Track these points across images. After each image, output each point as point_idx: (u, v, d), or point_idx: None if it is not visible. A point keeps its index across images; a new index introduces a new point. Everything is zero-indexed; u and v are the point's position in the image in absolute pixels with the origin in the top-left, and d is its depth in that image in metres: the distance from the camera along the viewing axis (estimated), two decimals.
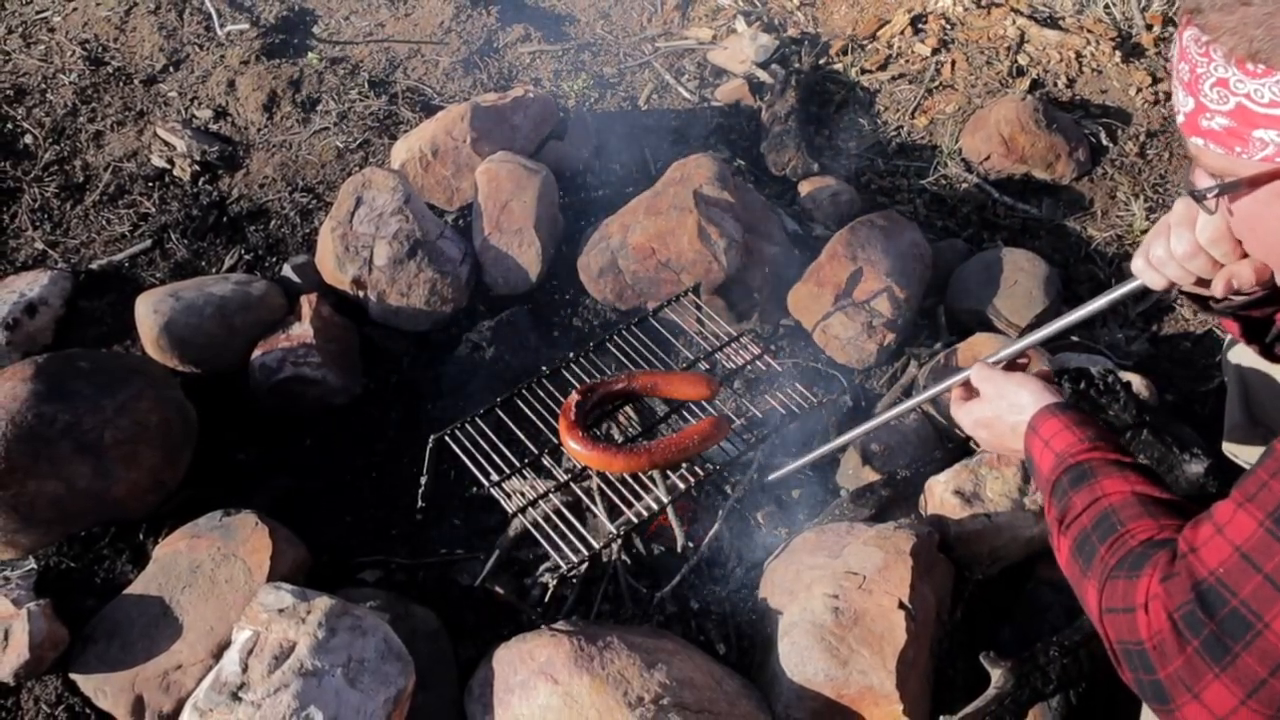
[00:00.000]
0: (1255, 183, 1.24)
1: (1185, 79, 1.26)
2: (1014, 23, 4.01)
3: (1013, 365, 1.83)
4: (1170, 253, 1.50)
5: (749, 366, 2.66)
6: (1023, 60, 3.91)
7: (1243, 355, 2.10)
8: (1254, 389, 2.09)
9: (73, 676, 2.21)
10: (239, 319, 2.85)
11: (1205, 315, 1.72)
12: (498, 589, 2.41)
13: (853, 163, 3.65)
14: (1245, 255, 1.45)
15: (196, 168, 3.55)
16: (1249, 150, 1.21)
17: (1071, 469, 1.47)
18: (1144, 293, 1.64)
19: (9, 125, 3.71)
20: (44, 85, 3.87)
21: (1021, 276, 3.03)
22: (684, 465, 2.41)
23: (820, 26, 4.22)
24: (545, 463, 2.49)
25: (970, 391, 1.82)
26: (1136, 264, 1.59)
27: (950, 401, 1.87)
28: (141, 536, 2.50)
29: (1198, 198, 1.32)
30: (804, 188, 3.44)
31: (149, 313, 2.78)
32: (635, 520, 2.37)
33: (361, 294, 3.00)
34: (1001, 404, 1.71)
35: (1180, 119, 1.30)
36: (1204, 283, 1.54)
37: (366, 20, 4.14)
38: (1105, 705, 2.11)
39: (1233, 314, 1.65)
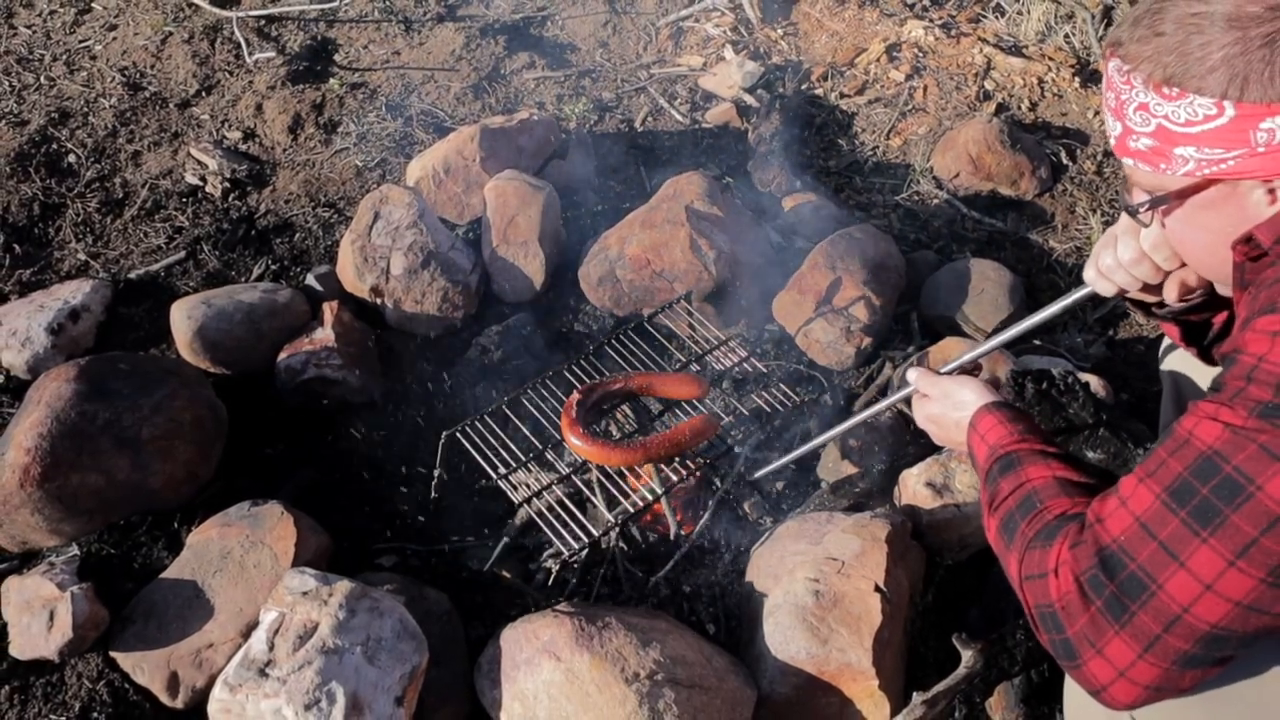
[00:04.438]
0: (1182, 195, 1.27)
1: (1113, 105, 1.29)
2: (981, 51, 4.01)
3: (967, 372, 1.85)
4: (1118, 260, 1.53)
5: (737, 368, 2.66)
6: (989, 85, 3.91)
7: (1174, 361, 2.12)
8: (1184, 391, 2.11)
9: (113, 654, 2.21)
10: (266, 324, 2.85)
11: (1149, 320, 1.74)
12: (505, 573, 2.41)
13: (832, 180, 3.65)
14: (1183, 262, 1.47)
15: (227, 185, 3.55)
16: (1172, 166, 1.24)
17: (1001, 458, 1.49)
18: (1094, 299, 1.66)
19: (54, 146, 3.71)
20: (86, 109, 3.87)
21: (988, 285, 3.03)
22: (677, 459, 2.42)
23: (802, 54, 4.22)
24: (549, 457, 2.49)
25: None
26: (1088, 273, 1.62)
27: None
28: (176, 525, 2.50)
29: (1132, 213, 1.35)
30: (787, 203, 3.44)
31: (183, 318, 2.78)
32: (632, 510, 2.38)
33: (379, 301, 3.00)
34: (947, 403, 1.74)
35: (1112, 142, 1.33)
36: (1149, 289, 1.57)
37: (384, 49, 4.14)
38: (1063, 684, 2.11)
39: (1174, 319, 1.67)
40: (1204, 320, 1.66)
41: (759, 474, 2.44)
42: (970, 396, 1.68)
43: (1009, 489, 1.43)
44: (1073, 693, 1.73)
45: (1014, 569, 1.34)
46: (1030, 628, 1.31)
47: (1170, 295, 1.54)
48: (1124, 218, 1.50)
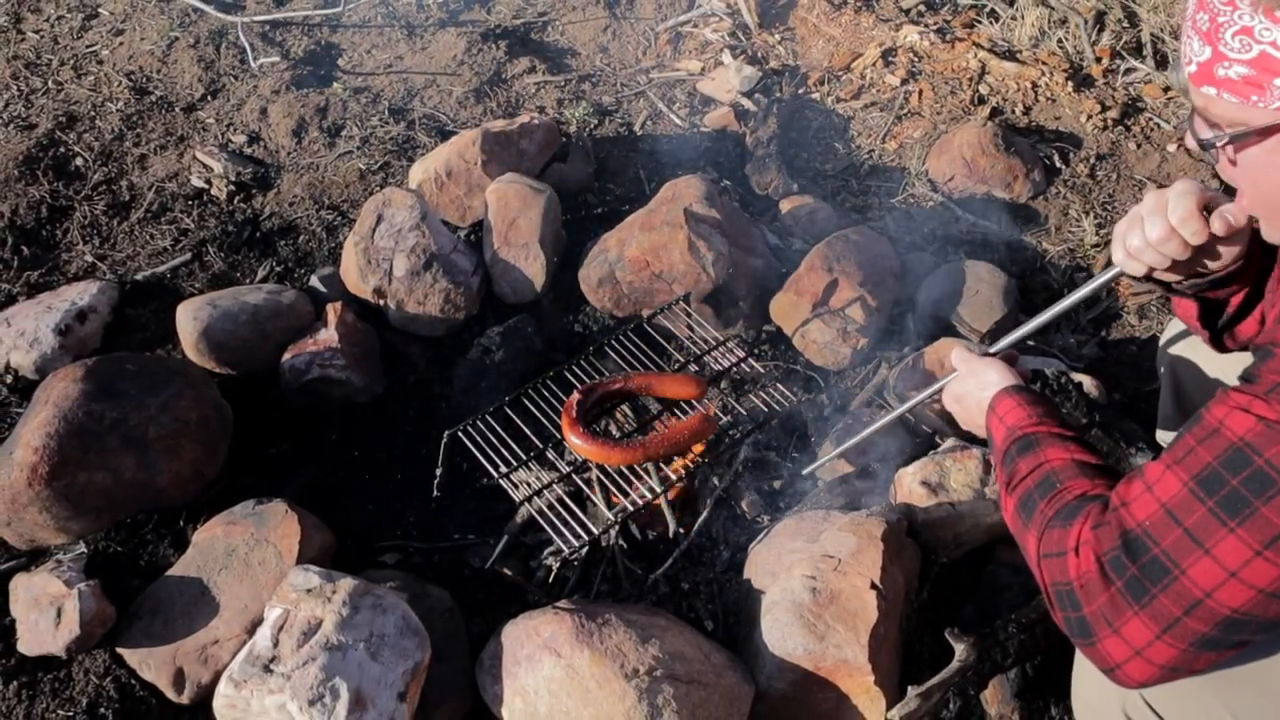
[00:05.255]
0: (1267, 132, 1.21)
1: (1204, 28, 1.21)
2: (976, 56, 4.01)
3: (1007, 358, 1.84)
4: (1146, 240, 1.50)
5: (735, 368, 2.66)
6: (984, 90, 3.92)
7: (1175, 351, 2.12)
8: (1183, 382, 2.11)
9: (119, 650, 2.22)
10: (270, 325, 2.85)
11: (1171, 295, 1.72)
12: (506, 571, 2.41)
13: (829, 183, 3.65)
14: (1210, 236, 1.45)
15: (232, 188, 3.55)
16: (1266, 98, 1.18)
17: (1020, 439, 1.50)
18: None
19: (62, 149, 3.71)
20: (93, 113, 3.87)
21: (982, 286, 3.03)
22: (675, 458, 2.42)
23: (799, 59, 4.22)
24: (549, 456, 2.49)
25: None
26: (1116, 256, 1.58)
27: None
28: (182, 523, 2.50)
29: (1205, 146, 1.29)
30: (784, 206, 3.45)
31: (189, 319, 2.78)
32: (631, 508, 2.38)
33: (382, 302, 3.00)
34: (972, 382, 1.73)
35: (1192, 69, 1.25)
36: (1174, 266, 1.54)
37: (387, 54, 4.14)
38: (1057, 677, 2.12)
39: (1195, 295, 1.65)
40: (1222, 300, 1.65)
41: (809, 469, 2.43)
42: (994, 377, 1.68)
43: (1027, 469, 1.44)
44: (1081, 676, 1.73)
45: (1032, 547, 1.35)
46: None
47: (1219, 227, 1.45)
48: (1149, 197, 1.49)
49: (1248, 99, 1.19)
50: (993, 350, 1.82)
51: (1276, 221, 1.36)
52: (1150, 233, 1.49)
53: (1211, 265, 1.54)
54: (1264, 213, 1.37)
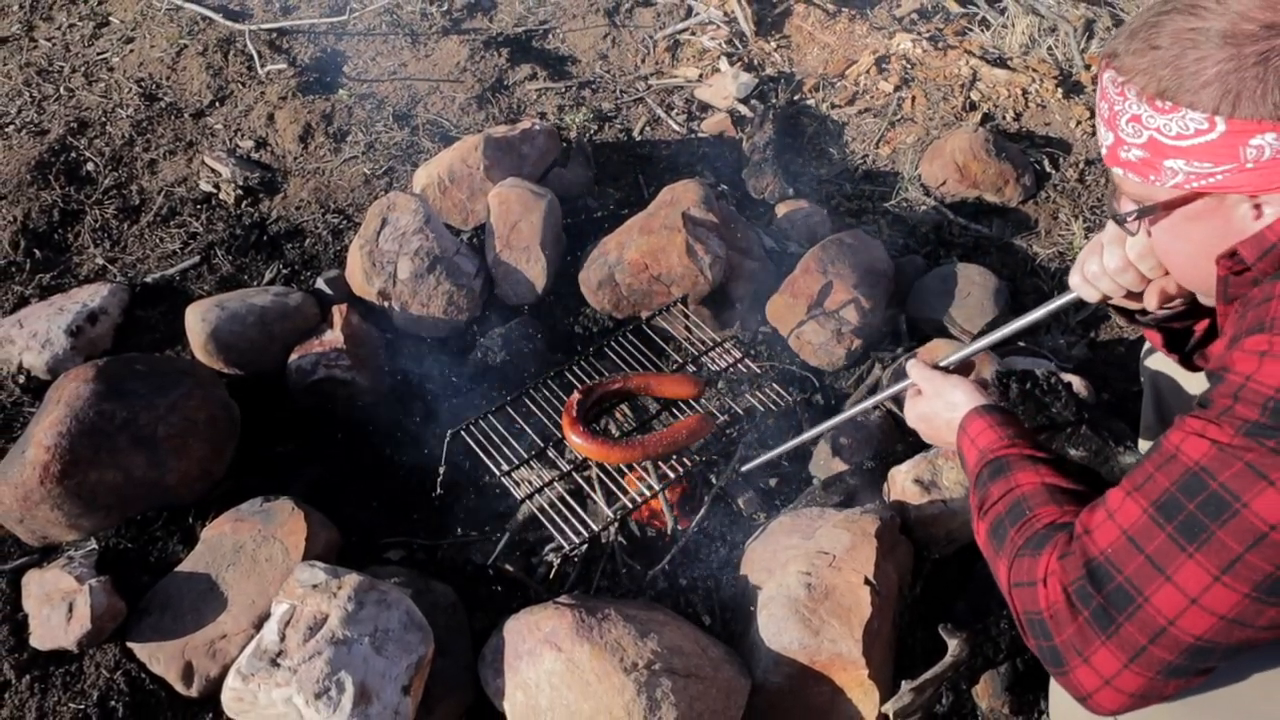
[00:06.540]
0: (1169, 207, 1.26)
1: (1105, 115, 1.28)
2: (967, 63, 4.02)
3: (964, 368, 1.83)
4: (1103, 268, 1.52)
5: (732, 369, 2.66)
6: (975, 96, 3.92)
7: (1155, 363, 2.11)
8: (1164, 393, 2.10)
9: (129, 645, 2.22)
10: (277, 327, 2.85)
11: (1131, 326, 1.74)
12: (508, 567, 2.42)
13: (824, 188, 3.65)
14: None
15: (240, 192, 3.55)
16: (1161, 178, 1.23)
17: (991, 463, 1.48)
18: (1078, 305, 1.65)
19: (73, 154, 3.71)
20: (104, 119, 3.87)
21: (974, 289, 3.03)
22: (674, 457, 2.42)
23: (795, 66, 4.22)
24: (550, 454, 2.50)
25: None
26: (1073, 279, 1.60)
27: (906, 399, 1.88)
28: (191, 520, 2.50)
29: (1119, 221, 1.34)
30: (780, 209, 3.45)
31: (197, 321, 2.78)
32: (630, 505, 2.38)
33: (386, 304, 3.00)
34: (939, 402, 1.72)
35: (1103, 151, 1.32)
36: (1132, 296, 1.56)
37: (391, 61, 4.14)
38: (1046, 672, 2.11)
39: (1156, 326, 1.66)
40: (1186, 328, 1.65)
41: (747, 467, 2.45)
42: (961, 398, 1.66)
43: (998, 494, 1.42)
44: (1058, 696, 1.73)
45: (1003, 575, 1.33)
46: (1017, 630, 1.30)
47: (1150, 303, 1.54)
48: (1110, 226, 1.49)
49: (1147, 178, 1.25)
50: (943, 364, 1.81)
51: (1193, 286, 1.40)
52: (1108, 261, 1.50)
53: (1169, 295, 1.54)
54: (1182, 280, 1.42)
